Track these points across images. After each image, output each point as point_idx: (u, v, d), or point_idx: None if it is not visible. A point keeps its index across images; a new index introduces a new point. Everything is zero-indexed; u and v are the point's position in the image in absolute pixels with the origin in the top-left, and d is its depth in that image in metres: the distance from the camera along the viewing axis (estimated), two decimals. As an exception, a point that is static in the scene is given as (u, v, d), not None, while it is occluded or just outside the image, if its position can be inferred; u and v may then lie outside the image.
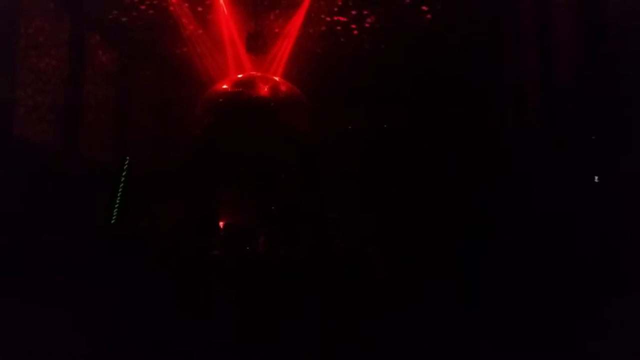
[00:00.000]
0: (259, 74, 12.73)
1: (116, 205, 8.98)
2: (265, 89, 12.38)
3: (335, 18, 12.32)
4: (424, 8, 11.73)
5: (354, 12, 12.27)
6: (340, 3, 12.05)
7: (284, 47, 12.87)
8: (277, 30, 12.64)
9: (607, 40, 7.38)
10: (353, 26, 12.55)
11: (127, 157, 9.81)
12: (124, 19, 11.86)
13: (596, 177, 7.40)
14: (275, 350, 5.67)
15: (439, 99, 12.74)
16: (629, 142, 6.36)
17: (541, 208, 8.84)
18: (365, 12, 12.17)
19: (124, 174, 9.56)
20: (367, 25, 12.33)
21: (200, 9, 12.17)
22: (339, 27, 12.46)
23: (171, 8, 11.82)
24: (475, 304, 6.93)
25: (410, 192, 11.26)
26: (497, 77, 12.73)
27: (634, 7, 6.60)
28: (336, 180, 11.45)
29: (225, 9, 12.35)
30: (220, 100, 12.33)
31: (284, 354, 5.66)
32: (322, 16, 12.25)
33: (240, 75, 12.79)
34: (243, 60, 12.86)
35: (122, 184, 9.54)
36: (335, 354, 5.76)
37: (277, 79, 12.78)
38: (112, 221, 8.62)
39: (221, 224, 11.16)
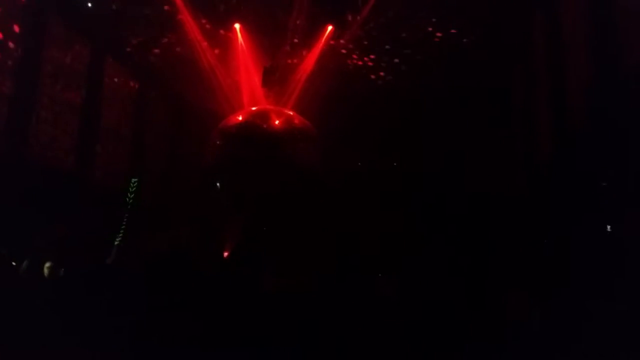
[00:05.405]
0: (272, 107, 12.92)
1: (122, 227, 9.02)
2: (278, 122, 12.53)
3: (351, 56, 12.54)
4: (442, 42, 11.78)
5: (370, 49, 12.47)
6: (353, 43, 12.23)
7: (298, 82, 13.05)
8: (292, 65, 12.84)
9: (621, 84, 7.33)
10: (370, 64, 12.80)
11: (136, 179, 9.89)
12: (144, 52, 12.23)
13: (608, 227, 7.24)
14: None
15: (451, 142, 12.77)
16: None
17: (550, 254, 8.66)
18: (381, 49, 12.36)
19: (132, 195, 9.64)
20: (382, 63, 12.56)
21: (218, 44, 12.49)
22: (353, 64, 12.67)
23: (190, 38, 12.00)
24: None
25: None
26: (509, 122, 12.75)
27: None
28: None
29: (243, 46, 12.60)
30: (234, 131, 12.49)
31: None
32: (338, 51, 12.41)
33: (254, 108, 12.99)
34: (258, 94, 13.07)
35: (130, 206, 9.60)
36: None
37: (290, 112, 12.95)
38: (118, 242, 8.64)
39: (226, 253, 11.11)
